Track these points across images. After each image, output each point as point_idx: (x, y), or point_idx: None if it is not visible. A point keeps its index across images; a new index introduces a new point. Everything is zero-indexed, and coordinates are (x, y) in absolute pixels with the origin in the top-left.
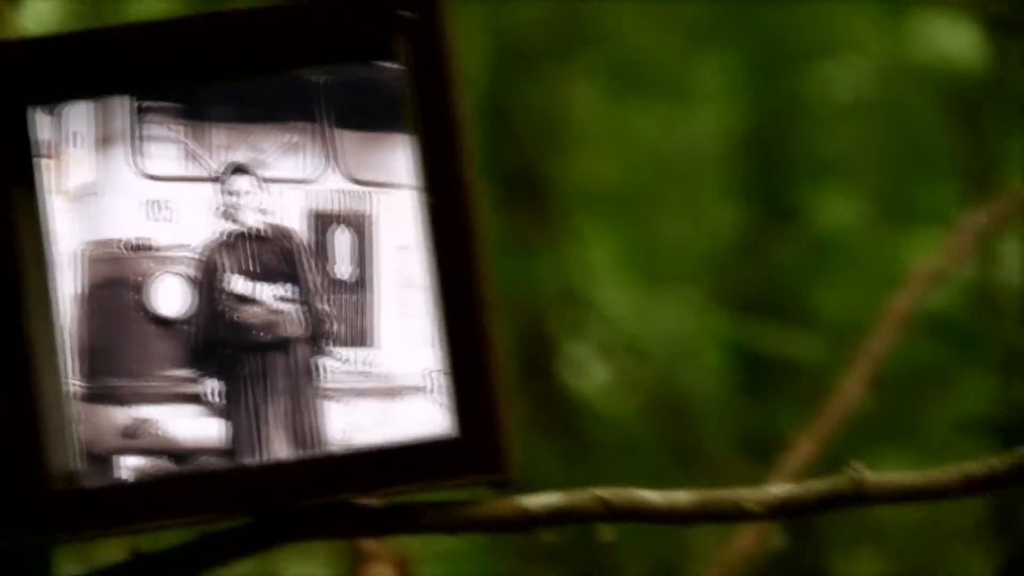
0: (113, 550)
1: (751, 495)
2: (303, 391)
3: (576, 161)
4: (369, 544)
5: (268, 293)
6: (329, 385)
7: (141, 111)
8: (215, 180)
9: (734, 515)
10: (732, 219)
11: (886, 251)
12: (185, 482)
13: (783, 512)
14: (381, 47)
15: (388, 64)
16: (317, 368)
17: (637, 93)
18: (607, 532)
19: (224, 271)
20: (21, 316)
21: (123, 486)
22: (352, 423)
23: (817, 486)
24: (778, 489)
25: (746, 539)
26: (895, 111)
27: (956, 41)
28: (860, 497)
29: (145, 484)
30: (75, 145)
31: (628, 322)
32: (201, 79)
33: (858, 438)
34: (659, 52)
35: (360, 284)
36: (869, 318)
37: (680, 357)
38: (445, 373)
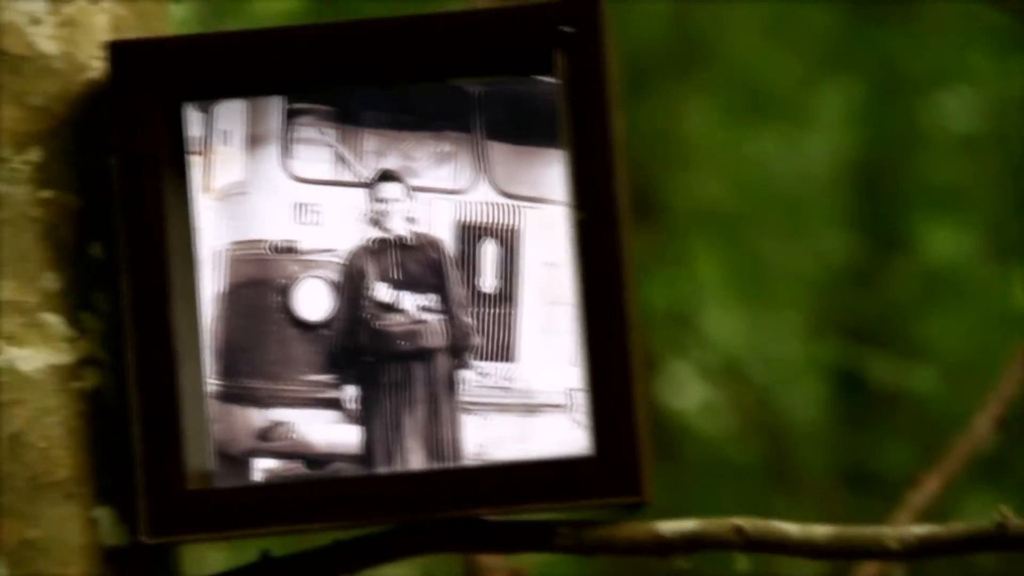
0: (242, 552)
1: (892, 533)
2: (442, 403)
3: (688, 180)
4: (486, 556)
5: (411, 302)
6: (468, 398)
7: (293, 113)
8: (364, 186)
9: (873, 552)
10: (841, 246)
11: (996, 286)
12: (318, 487)
13: (922, 552)
14: (540, 61)
15: (545, 78)
16: (457, 380)
17: (752, 115)
18: (743, 561)
19: (368, 278)
20: (168, 312)
21: (256, 488)
22: (489, 437)
23: (960, 527)
24: (919, 528)
25: (868, 571)
26: (1010, 146)
27: None
28: (1003, 541)
29: (278, 487)
30: (225, 143)
31: (731, 344)
32: (355, 84)
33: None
34: (777, 75)
35: (505, 298)
36: (982, 354)
37: (782, 381)
38: (585, 392)
